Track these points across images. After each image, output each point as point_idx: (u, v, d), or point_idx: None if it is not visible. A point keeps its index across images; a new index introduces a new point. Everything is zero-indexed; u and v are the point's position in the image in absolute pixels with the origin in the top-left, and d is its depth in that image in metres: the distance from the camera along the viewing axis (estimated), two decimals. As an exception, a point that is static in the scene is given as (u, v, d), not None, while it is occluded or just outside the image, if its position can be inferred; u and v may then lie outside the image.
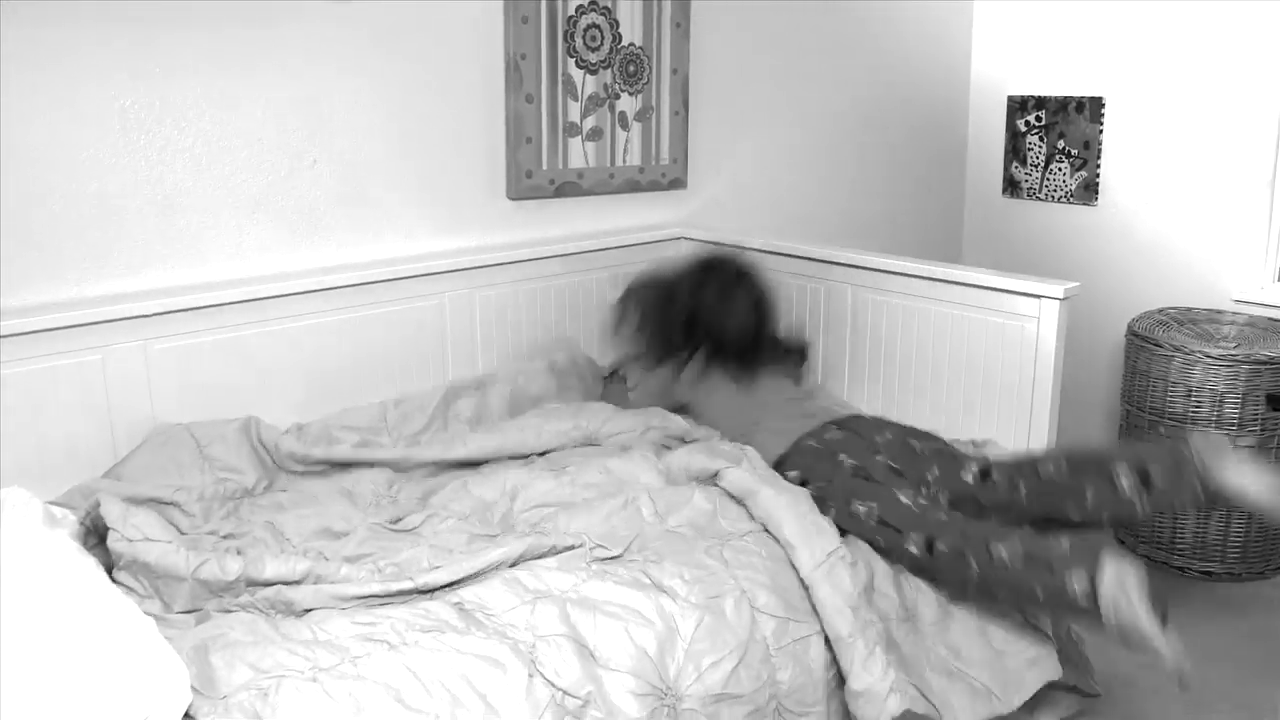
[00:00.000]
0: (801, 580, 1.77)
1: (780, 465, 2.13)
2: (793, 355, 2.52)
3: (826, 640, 1.73)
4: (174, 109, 2.14)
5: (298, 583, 1.66)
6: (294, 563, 1.68)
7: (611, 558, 1.76)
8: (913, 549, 1.85)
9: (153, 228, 2.15)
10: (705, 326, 2.42)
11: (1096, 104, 3.24)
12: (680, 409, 2.43)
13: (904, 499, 1.91)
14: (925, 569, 1.87)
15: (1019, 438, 2.27)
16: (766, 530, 1.88)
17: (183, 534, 1.90)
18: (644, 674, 1.54)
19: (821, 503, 1.98)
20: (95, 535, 1.80)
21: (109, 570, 1.71)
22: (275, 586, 1.65)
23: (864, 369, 2.62)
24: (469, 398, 2.45)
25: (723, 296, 2.43)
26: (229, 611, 1.63)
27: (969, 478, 2.02)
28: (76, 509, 1.83)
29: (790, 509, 1.87)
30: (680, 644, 1.59)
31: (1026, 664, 1.89)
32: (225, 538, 1.91)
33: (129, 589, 1.69)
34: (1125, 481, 1.86)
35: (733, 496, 1.97)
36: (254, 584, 1.67)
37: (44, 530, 1.61)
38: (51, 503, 1.83)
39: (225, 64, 2.18)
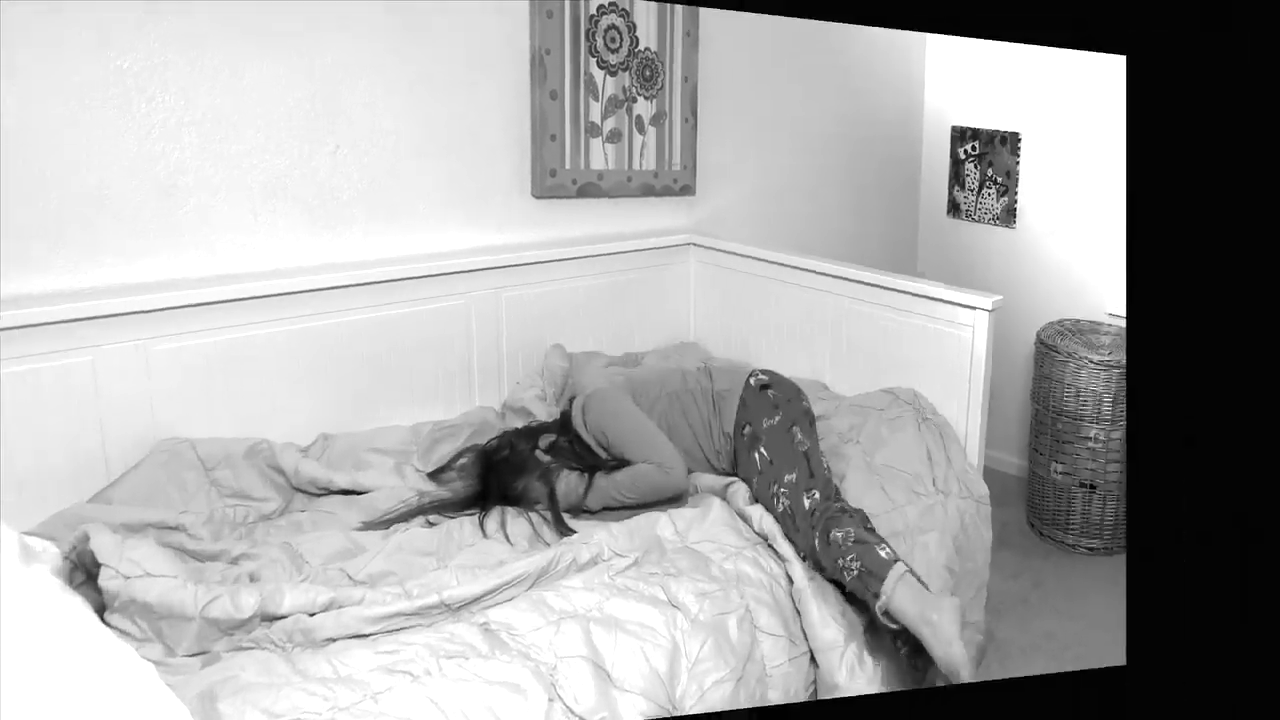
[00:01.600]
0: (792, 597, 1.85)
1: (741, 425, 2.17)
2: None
3: (811, 659, 1.81)
4: (181, 75, 1.98)
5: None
6: (314, 593, 1.63)
7: (630, 565, 1.80)
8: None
9: (153, 211, 2.00)
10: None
11: (1015, 138, 3.88)
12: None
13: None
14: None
15: (958, 429, 2.51)
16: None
17: (190, 554, 1.80)
18: (654, 695, 1.58)
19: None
20: (82, 571, 1.68)
21: (99, 612, 1.58)
22: (294, 616, 1.60)
23: (825, 367, 2.84)
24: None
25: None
26: (242, 649, 1.57)
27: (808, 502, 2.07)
28: (59, 540, 1.65)
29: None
30: (685, 663, 1.64)
31: None
32: (236, 560, 1.82)
33: (124, 633, 1.59)
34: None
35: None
36: (270, 618, 1.61)
37: (20, 567, 1.43)
38: (28, 533, 1.65)
39: (240, 33, 2.05)
